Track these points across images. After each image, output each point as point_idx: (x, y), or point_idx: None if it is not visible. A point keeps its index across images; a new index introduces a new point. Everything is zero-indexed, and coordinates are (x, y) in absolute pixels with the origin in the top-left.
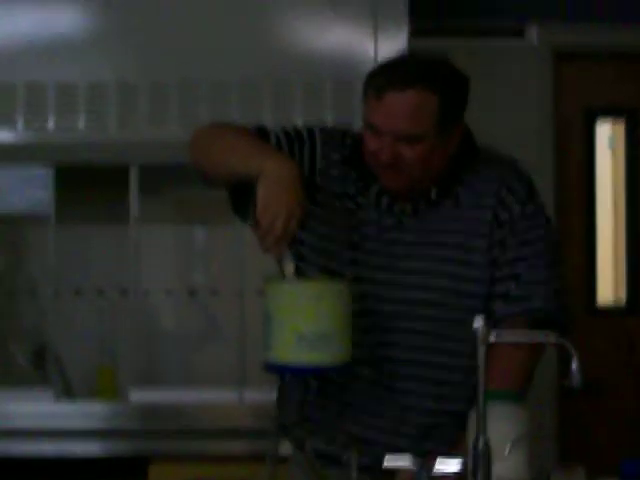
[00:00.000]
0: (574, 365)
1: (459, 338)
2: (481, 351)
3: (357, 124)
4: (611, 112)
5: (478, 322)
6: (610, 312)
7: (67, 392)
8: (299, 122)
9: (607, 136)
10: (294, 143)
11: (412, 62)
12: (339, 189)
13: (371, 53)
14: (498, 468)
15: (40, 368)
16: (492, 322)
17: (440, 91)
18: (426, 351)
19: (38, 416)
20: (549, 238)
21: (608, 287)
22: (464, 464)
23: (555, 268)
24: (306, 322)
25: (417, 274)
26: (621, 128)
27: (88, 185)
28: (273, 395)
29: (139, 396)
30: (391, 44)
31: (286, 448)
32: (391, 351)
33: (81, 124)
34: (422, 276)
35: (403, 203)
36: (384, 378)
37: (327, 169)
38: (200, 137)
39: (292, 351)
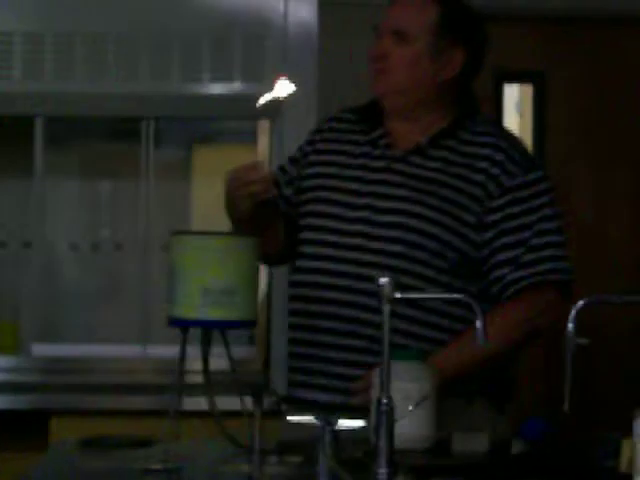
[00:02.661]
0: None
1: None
2: (386, 308)
3: (265, 78)
4: (519, 76)
5: (383, 279)
6: None
7: None
8: (207, 80)
9: (514, 100)
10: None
11: None
12: (344, 137)
13: (281, 9)
14: (401, 426)
15: None
16: (500, 288)
17: (443, 3)
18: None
19: None
20: (553, 204)
21: None
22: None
23: (560, 233)
24: (212, 276)
25: (394, 214)
26: (529, 91)
27: None
28: (176, 350)
29: (41, 350)
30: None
31: (187, 403)
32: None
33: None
34: (398, 216)
35: (396, 149)
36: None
37: (323, 142)
38: None
39: (197, 306)
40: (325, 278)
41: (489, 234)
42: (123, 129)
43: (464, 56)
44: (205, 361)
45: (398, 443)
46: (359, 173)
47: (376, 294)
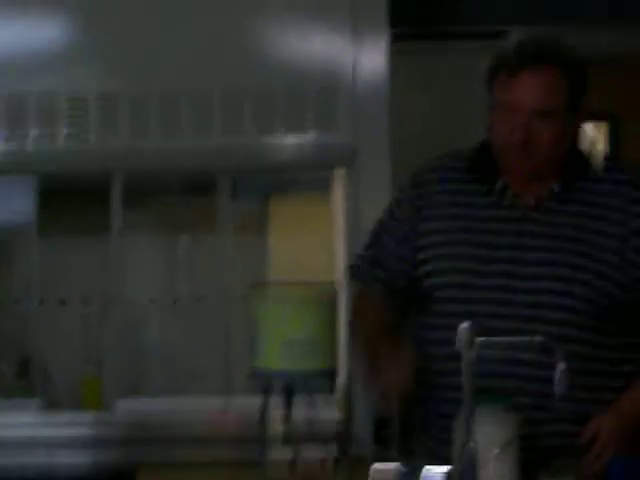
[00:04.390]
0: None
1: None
2: (467, 356)
3: (339, 129)
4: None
5: (463, 326)
6: None
7: (53, 403)
8: (280, 132)
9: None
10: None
11: (541, 43)
12: (461, 188)
13: (351, 59)
14: (485, 471)
15: (25, 379)
16: None
17: (569, 71)
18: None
19: (24, 426)
20: None
21: None
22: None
23: None
24: (292, 328)
25: (546, 265)
26: (603, 130)
27: (71, 195)
28: (258, 402)
29: (125, 406)
30: (371, 52)
31: (271, 453)
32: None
33: (63, 134)
34: (550, 267)
35: (527, 197)
36: None
37: (437, 195)
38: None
39: (278, 357)
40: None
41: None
42: (199, 183)
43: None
44: (288, 412)
45: None
46: (492, 225)
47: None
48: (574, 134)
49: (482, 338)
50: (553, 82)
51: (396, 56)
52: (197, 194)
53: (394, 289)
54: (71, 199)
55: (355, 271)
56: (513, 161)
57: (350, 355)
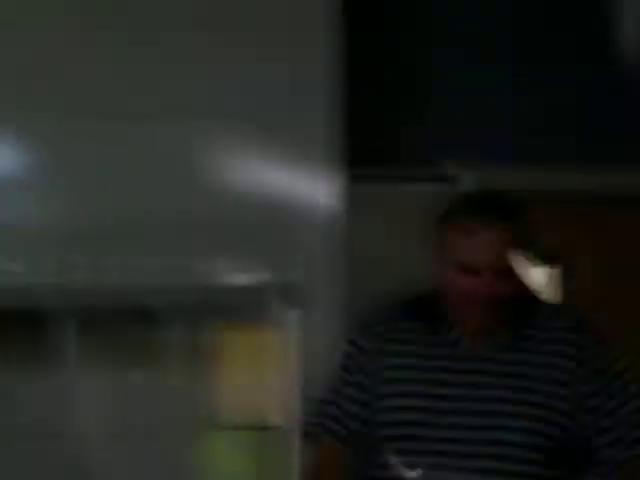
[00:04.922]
0: None
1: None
2: None
3: (294, 268)
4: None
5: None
6: None
7: None
8: (238, 272)
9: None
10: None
11: (493, 199)
12: (409, 348)
13: (306, 196)
14: None
15: None
16: (609, 467)
17: (520, 226)
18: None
19: None
20: (635, 378)
21: None
22: None
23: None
24: (237, 472)
25: (497, 417)
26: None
27: (24, 328)
28: None
29: None
30: (327, 192)
31: None
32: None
33: (17, 269)
34: (503, 418)
35: (479, 348)
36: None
37: (388, 343)
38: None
39: None
40: None
41: (587, 418)
42: (147, 317)
43: None
44: None
45: None
46: (446, 376)
47: None
48: (525, 282)
49: None
50: (510, 240)
51: (354, 198)
52: (144, 328)
53: (351, 442)
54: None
55: (317, 426)
56: (476, 316)
57: None
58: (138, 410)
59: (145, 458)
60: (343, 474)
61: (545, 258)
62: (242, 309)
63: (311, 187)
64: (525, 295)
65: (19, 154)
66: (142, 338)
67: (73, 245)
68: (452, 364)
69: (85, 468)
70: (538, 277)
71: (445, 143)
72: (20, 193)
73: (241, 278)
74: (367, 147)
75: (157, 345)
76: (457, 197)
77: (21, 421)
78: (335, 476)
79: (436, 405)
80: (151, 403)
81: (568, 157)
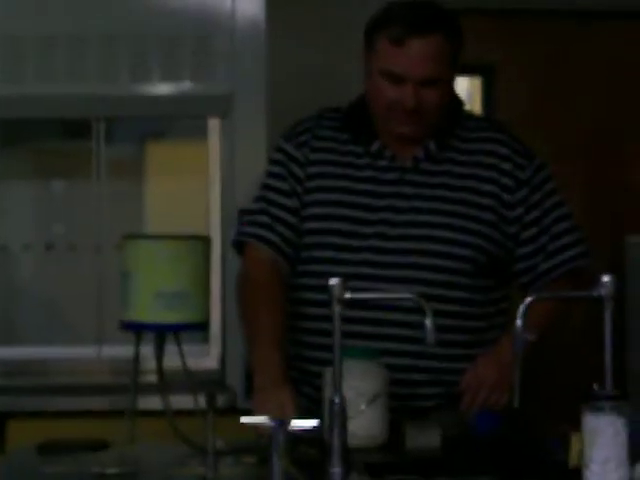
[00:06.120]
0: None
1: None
2: (336, 310)
3: (215, 78)
4: (469, 69)
5: (333, 281)
6: None
7: None
8: (156, 79)
9: (464, 93)
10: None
11: (424, 8)
12: (333, 157)
13: (228, 7)
14: (353, 424)
15: None
16: (531, 278)
17: (452, 36)
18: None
19: None
20: (556, 188)
21: None
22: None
23: (572, 217)
24: (164, 280)
25: (420, 227)
26: (478, 84)
27: None
28: (130, 351)
29: None
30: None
31: (142, 403)
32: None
33: None
34: (426, 229)
35: (403, 159)
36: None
37: (314, 153)
38: (238, 297)
39: (149, 309)
40: None
41: (513, 228)
42: (74, 128)
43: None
44: (159, 363)
45: (352, 441)
46: (368, 186)
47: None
48: (452, 92)
49: (350, 295)
50: (439, 50)
51: (275, 6)
52: (72, 140)
53: (285, 250)
54: None
55: (247, 236)
56: (401, 128)
57: (229, 308)
58: (62, 220)
59: (69, 268)
60: (282, 285)
61: (474, 69)
62: (165, 120)
63: None
64: (451, 106)
65: None
66: (66, 149)
67: None
68: (375, 174)
69: (10, 279)
70: (466, 88)
71: None
72: None
73: (163, 88)
74: None
75: (81, 157)
76: (387, 5)
77: None
78: (274, 287)
79: (359, 215)
80: (75, 213)
81: None
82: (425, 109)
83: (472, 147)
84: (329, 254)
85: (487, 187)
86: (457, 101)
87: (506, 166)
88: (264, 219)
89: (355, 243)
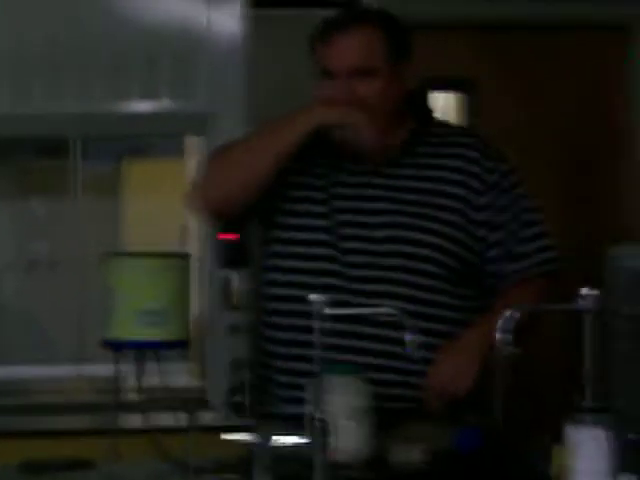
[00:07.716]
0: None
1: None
2: (316, 325)
3: (193, 96)
4: (451, 85)
5: (314, 297)
6: None
7: None
8: (134, 97)
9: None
10: None
11: (353, 9)
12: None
13: (205, 24)
14: (338, 440)
15: None
16: (495, 281)
17: (384, 27)
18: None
19: None
20: (526, 194)
21: None
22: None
23: (542, 222)
24: (145, 298)
25: (386, 228)
26: (460, 100)
27: None
28: (110, 369)
29: None
30: (227, 17)
31: (123, 421)
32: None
33: None
34: (391, 230)
35: (369, 163)
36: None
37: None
38: (211, 168)
39: (130, 327)
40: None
41: (481, 231)
42: (52, 146)
43: (409, 69)
44: (139, 381)
45: (336, 457)
46: (338, 190)
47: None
48: (401, 82)
49: (333, 311)
50: (367, 39)
51: (257, 23)
52: (49, 158)
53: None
54: None
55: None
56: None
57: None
58: (41, 238)
59: (50, 287)
60: None
61: (457, 85)
62: (145, 138)
63: (213, 12)
64: (420, 114)
65: None
66: (44, 167)
67: None
68: (344, 178)
69: None
70: (443, 103)
71: None
72: None
73: (141, 106)
74: None
75: (59, 175)
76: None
77: None
78: None
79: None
80: (54, 232)
81: None
82: (363, 101)
83: (441, 151)
84: (300, 265)
85: (455, 190)
86: (426, 109)
87: (475, 169)
88: None
89: (324, 251)
